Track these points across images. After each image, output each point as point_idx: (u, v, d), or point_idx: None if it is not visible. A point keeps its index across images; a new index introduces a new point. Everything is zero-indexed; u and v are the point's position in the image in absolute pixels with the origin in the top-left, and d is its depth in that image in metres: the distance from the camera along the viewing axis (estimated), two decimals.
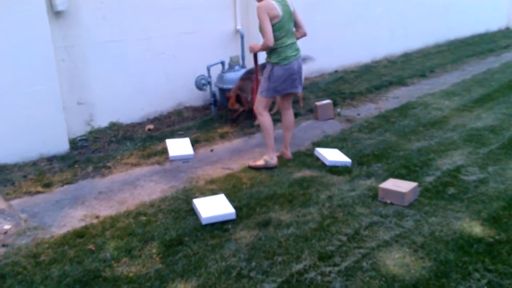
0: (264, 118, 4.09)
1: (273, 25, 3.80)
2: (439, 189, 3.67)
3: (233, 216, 3.26)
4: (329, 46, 7.54)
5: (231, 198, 3.49)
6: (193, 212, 3.37)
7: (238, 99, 5.06)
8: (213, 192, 3.65)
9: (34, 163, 4.28)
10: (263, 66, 4.55)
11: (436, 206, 3.41)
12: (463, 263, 2.73)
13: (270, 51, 3.94)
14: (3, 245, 3.02)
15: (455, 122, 5.33)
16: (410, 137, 4.86)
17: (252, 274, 2.67)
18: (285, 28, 3.89)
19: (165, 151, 4.55)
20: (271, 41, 3.80)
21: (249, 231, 3.11)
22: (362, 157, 4.34)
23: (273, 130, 4.14)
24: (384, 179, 3.73)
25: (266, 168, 4.09)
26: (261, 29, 3.83)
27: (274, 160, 4.13)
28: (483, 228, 3.09)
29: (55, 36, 4.46)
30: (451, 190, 3.64)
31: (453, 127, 5.14)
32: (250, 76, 5.14)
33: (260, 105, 4.08)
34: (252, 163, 4.17)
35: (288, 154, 4.33)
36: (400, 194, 3.40)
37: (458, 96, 6.44)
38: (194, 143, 4.74)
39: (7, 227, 3.25)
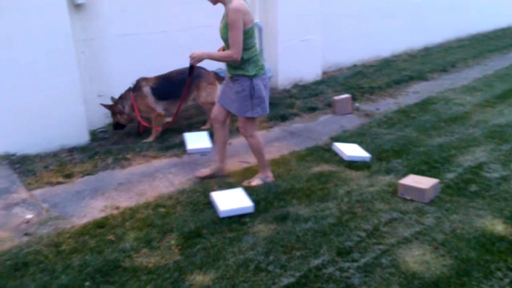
0: (257, 139, 3.66)
1: (247, 31, 3.28)
2: (461, 186, 3.61)
3: (251, 210, 3.26)
4: (347, 39, 7.46)
5: (248, 192, 3.48)
6: (210, 205, 3.38)
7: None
8: (231, 186, 3.66)
9: (55, 154, 4.34)
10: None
11: (457, 203, 3.35)
12: (485, 261, 2.68)
13: (243, 62, 3.38)
14: (26, 234, 3.08)
15: (477, 118, 5.22)
16: (431, 132, 4.79)
17: (270, 268, 2.66)
18: (255, 32, 3.45)
19: (183, 144, 4.56)
20: (240, 54, 3.28)
21: (267, 225, 3.11)
22: (381, 152, 4.28)
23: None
24: (404, 175, 3.68)
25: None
26: (227, 37, 3.29)
27: (270, 177, 3.78)
28: (505, 226, 3.03)
29: (75, 29, 4.51)
30: (473, 187, 3.58)
31: (475, 123, 5.03)
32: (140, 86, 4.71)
33: (248, 127, 3.59)
34: (246, 183, 3.74)
35: (226, 169, 3.94)
36: (421, 191, 3.35)
37: (480, 91, 6.31)
38: (213, 136, 4.74)
39: (29, 216, 3.31)
